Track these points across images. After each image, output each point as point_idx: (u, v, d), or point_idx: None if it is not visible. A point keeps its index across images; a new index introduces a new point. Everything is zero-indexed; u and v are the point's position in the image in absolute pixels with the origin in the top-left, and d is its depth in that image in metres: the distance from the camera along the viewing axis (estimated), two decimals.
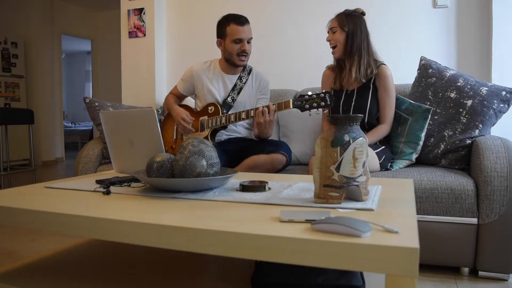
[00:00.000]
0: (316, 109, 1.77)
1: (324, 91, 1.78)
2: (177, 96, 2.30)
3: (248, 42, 2.07)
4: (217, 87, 2.16)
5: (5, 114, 3.61)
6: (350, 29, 1.93)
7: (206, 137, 2.05)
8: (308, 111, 1.78)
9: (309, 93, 1.79)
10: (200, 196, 1.04)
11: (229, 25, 2.04)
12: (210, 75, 2.18)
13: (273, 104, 1.87)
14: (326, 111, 2.06)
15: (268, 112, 1.85)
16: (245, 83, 2.17)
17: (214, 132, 2.09)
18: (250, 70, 2.21)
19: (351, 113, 1.98)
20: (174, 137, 2.20)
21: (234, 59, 2.09)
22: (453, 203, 1.61)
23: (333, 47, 1.99)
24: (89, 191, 1.15)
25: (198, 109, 2.19)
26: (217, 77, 2.17)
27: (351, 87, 2.00)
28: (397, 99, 2.03)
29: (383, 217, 0.82)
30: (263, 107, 1.88)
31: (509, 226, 1.55)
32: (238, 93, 2.15)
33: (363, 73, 1.94)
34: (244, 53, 2.07)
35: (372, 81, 1.97)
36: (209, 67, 2.21)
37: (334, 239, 0.67)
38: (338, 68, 2.06)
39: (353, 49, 1.93)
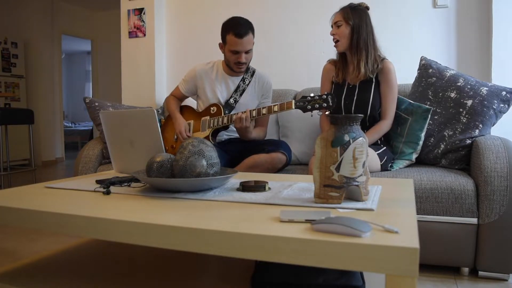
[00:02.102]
0: (318, 110, 1.77)
1: (326, 92, 1.78)
2: (179, 98, 2.30)
3: (247, 53, 2.04)
4: (220, 89, 2.16)
5: (5, 114, 3.61)
6: (356, 23, 1.92)
7: (207, 137, 2.05)
8: (310, 112, 1.78)
9: (312, 94, 1.80)
10: (200, 196, 1.04)
11: (229, 33, 2.00)
12: (213, 76, 2.18)
13: (263, 108, 1.90)
14: (328, 112, 2.07)
15: (245, 118, 1.89)
16: (248, 84, 2.17)
17: (215, 132, 2.10)
18: (254, 72, 2.21)
19: (353, 107, 1.98)
20: (175, 137, 2.20)
21: (231, 66, 2.09)
22: (453, 203, 1.61)
23: (336, 41, 1.97)
24: (89, 191, 1.15)
25: (200, 110, 2.20)
26: (220, 79, 2.17)
27: (354, 82, 2.00)
28: (397, 98, 2.03)
29: (383, 217, 0.82)
30: (242, 112, 1.91)
31: (509, 226, 1.55)
32: (241, 94, 2.15)
33: (371, 68, 1.93)
34: (240, 65, 2.06)
35: (374, 75, 1.96)
36: (212, 68, 2.20)
37: (334, 239, 0.67)
38: (341, 62, 2.05)
39: (360, 43, 1.92)
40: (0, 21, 5.71)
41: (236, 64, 2.06)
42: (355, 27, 1.92)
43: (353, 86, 1.99)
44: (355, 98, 1.98)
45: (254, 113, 1.91)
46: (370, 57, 1.93)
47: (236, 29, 1.97)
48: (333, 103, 1.75)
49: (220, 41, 2.11)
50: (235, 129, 2.18)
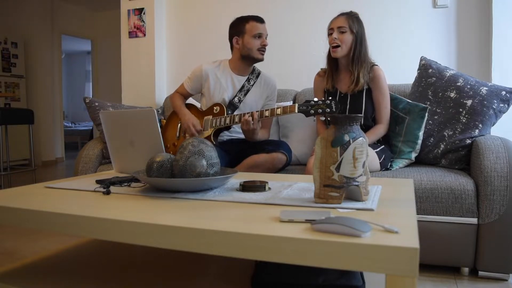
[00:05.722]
0: (321, 115, 1.77)
1: (330, 98, 1.78)
2: (183, 95, 2.30)
3: (266, 39, 2.14)
4: (225, 86, 2.17)
5: (5, 114, 3.61)
6: (359, 33, 1.91)
7: (209, 136, 2.05)
8: (313, 116, 1.78)
9: (315, 99, 1.79)
10: (200, 196, 1.04)
11: (248, 22, 2.10)
12: (219, 73, 2.19)
13: (266, 111, 1.89)
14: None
15: (252, 120, 1.88)
16: (253, 85, 2.18)
17: (217, 132, 2.10)
18: (259, 73, 2.23)
19: None
20: (177, 134, 2.20)
21: (254, 53, 2.11)
22: (453, 203, 1.61)
23: (336, 46, 1.92)
24: (89, 191, 1.15)
25: (204, 108, 2.20)
26: (226, 76, 2.18)
27: (346, 90, 1.99)
28: (395, 98, 2.03)
29: (383, 217, 0.82)
30: (249, 114, 1.90)
31: (509, 226, 1.55)
32: (245, 94, 2.16)
33: (367, 79, 1.93)
34: (263, 48, 2.12)
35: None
36: (218, 66, 2.22)
37: (334, 239, 0.67)
38: (331, 68, 2.03)
39: (361, 55, 1.91)
40: (0, 21, 5.71)
41: (259, 49, 2.11)
42: (358, 37, 1.91)
43: (344, 94, 1.99)
44: (347, 107, 1.97)
45: (256, 116, 1.91)
46: (367, 67, 1.93)
47: (256, 17, 2.12)
48: (337, 108, 1.74)
49: (234, 37, 2.13)
50: (236, 129, 2.19)
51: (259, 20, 2.11)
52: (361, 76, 1.92)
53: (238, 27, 2.12)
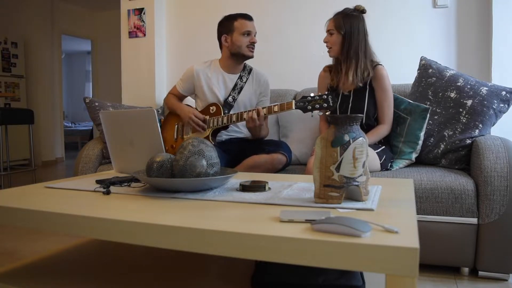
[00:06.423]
0: (318, 110, 1.77)
1: (326, 92, 1.78)
2: (177, 97, 2.30)
3: (254, 36, 2.14)
4: (218, 86, 2.17)
5: (5, 114, 3.61)
6: (347, 31, 1.92)
7: (207, 137, 2.05)
8: (310, 112, 1.78)
9: (312, 94, 1.80)
10: (200, 196, 1.04)
11: (237, 20, 2.10)
12: (211, 74, 2.19)
13: (263, 108, 1.89)
14: (329, 112, 2.07)
15: (258, 116, 1.88)
16: (245, 82, 2.18)
17: (215, 132, 2.10)
18: (250, 70, 2.23)
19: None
20: (175, 136, 2.20)
21: (243, 51, 2.11)
22: (453, 203, 1.61)
23: (329, 48, 2.00)
24: (89, 191, 1.15)
25: (199, 109, 2.19)
26: (217, 76, 2.18)
27: (347, 89, 1.99)
28: (396, 99, 2.03)
29: (383, 217, 0.82)
30: (253, 111, 1.89)
31: (509, 226, 1.55)
32: (239, 92, 2.16)
33: (360, 77, 1.93)
34: (252, 45, 2.12)
35: (368, 82, 1.96)
36: (209, 66, 2.22)
37: (334, 239, 0.67)
38: (335, 66, 2.06)
39: (350, 52, 1.92)
40: (0, 21, 5.71)
41: (249, 46, 2.11)
42: (346, 36, 1.92)
43: (347, 93, 2.00)
44: (349, 106, 1.98)
45: (262, 113, 1.89)
46: (360, 65, 1.92)
47: (244, 14, 2.13)
48: (334, 103, 1.74)
49: (223, 35, 2.13)
50: (234, 128, 2.19)
51: (248, 17, 2.11)
52: (349, 73, 1.93)
53: (227, 25, 2.12)
